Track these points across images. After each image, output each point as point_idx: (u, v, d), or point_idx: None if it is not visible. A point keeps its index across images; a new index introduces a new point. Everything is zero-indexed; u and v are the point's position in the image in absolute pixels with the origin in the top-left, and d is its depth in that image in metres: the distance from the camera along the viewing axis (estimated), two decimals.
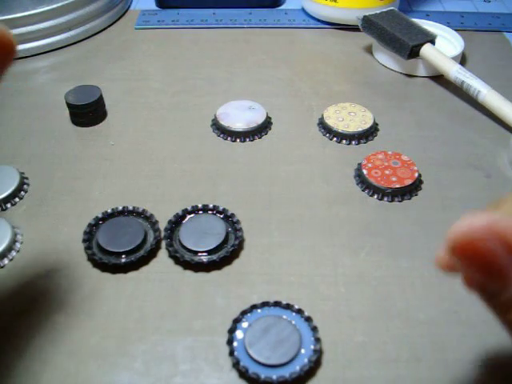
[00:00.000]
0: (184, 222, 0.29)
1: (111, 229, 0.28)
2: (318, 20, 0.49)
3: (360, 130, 0.35)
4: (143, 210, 0.29)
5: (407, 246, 0.28)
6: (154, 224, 0.29)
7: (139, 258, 0.27)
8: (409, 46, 0.39)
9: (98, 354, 0.24)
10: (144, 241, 0.28)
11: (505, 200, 0.17)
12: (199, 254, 0.27)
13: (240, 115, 0.36)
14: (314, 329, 0.24)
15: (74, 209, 0.31)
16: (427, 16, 0.49)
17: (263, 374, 0.22)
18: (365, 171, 0.32)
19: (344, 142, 0.35)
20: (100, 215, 0.29)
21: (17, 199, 0.31)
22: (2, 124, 0.37)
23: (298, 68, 0.43)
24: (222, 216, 0.29)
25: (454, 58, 0.40)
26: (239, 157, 0.34)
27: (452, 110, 0.38)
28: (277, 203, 0.31)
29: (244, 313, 0.24)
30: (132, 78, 0.42)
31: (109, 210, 0.29)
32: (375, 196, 0.31)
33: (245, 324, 0.24)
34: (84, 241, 0.28)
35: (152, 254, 0.28)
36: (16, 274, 0.27)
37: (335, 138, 0.35)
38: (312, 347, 0.23)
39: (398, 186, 0.31)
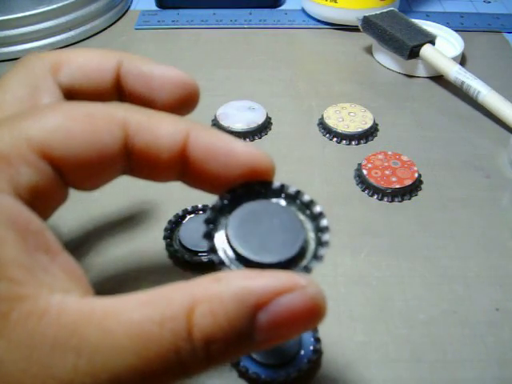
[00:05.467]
0: (184, 222, 0.29)
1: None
2: (318, 20, 0.49)
3: (360, 130, 0.35)
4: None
5: (407, 246, 0.28)
6: None
7: None
8: (409, 46, 0.39)
9: None
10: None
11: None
12: (199, 253, 0.27)
13: (240, 115, 0.36)
14: (314, 329, 0.24)
15: (74, 209, 0.31)
16: (427, 16, 0.49)
17: (263, 374, 0.22)
18: (365, 171, 0.32)
19: (344, 142, 0.35)
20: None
21: None
22: None
23: (297, 68, 0.43)
24: None
25: (454, 59, 0.40)
26: None
27: (452, 110, 0.38)
28: None
29: None
30: None
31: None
32: (375, 196, 0.31)
33: None
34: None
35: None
36: None
37: (335, 139, 0.35)
38: (312, 347, 0.23)
39: (397, 186, 0.31)
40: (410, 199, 0.31)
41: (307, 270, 0.16)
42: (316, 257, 0.16)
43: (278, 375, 0.22)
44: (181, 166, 0.17)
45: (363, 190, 0.31)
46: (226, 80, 0.41)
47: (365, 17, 0.42)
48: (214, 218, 0.17)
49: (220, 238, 0.16)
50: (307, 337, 0.23)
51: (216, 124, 0.36)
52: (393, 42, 0.40)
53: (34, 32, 0.44)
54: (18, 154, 0.14)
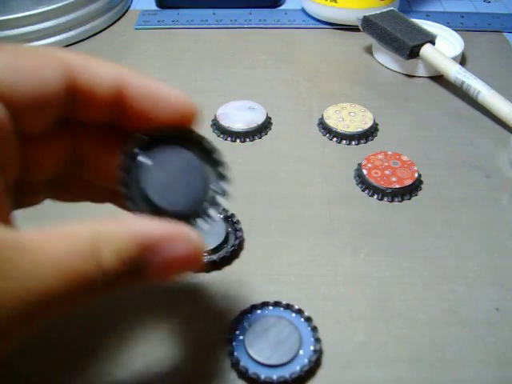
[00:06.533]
0: None
1: None
2: (318, 20, 0.49)
3: (360, 130, 0.35)
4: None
5: (407, 246, 0.28)
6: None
7: None
8: (409, 46, 0.39)
9: (97, 355, 0.24)
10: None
11: None
12: None
13: (240, 115, 0.36)
14: (314, 329, 0.24)
15: (73, 209, 0.30)
16: (427, 16, 0.49)
17: (263, 374, 0.22)
18: (365, 171, 0.32)
19: (344, 142, 0.35)
20: None
21: None
22: None
23: (298, 68, 0.43)
24: (221, 216, 0.29)
25: (454, 59, 0.40)
26: (239, 157, 0.34)
27: (452, 110, 0.38)
28: (277, 203, 0.31)
29: (244, 313, 0.24)
30: None
31: None
32: (375, 196, 0.31)
33: (245, 324, 0.24)
34: None
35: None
36: None
37: (335, 138, 0.35)
38: (312, 347, 0.23)
39: (397, 186, 0.31)
40: (409, 199, 0.31)
41: (197, 226, 0.19)
42: (207, 215, 0.19)
43: (278, 375, 0.22)
44: (115, 107, 0.18)
45: (363, 190, 0.31)
46: (226, 80, 0.41)
47: (365, 17, 0.42)
48: (130, 161, 0.18)
49: (133, 178, 0.18)
50: (307, 337, 0.23)
51: (216, 124, 0.36)
52: (393, 41, 0.40)
53: (33, 32, 0.44)
54: None
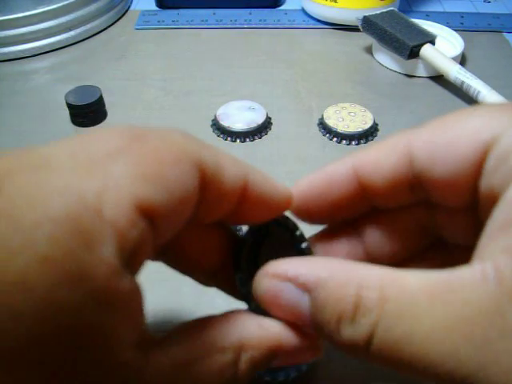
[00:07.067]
0: None
1: None
2: (318, 20, 0.49)
3: (360, 130, 0.35)
4: None
5: None
6: None
7: None
8: (409, 46, 0.39)
9: None
10: None
11: None
12: None
13: (240, 115, 0.36)
14: None
15: None
16: (427, 16, 0.49)
17: (263, 374, 0.22)
18: None
19: (344, 142, 0.35)
20: None
21: None
22: (1, 124, 0.37)
23: (298, 68, 0.43)
24: None
25: (454, 59, 0.40)
26: (239, 157, 0.34)
27: (452, 110, 0.38)
28: None
29: None
30: (132, 78, 0.42)
31: None
32: None
33: None
34: None
35: None
36: None
37: (335, 139, 0.35)
38: None
39: None
40: None
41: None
42: None
43: (278, 375, 0.22)
44: (235, 206, 0.17)
45: None
46: (226, 80, 0.41)
47: (365, 17, 0.42)
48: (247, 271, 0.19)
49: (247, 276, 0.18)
50: None
51: (216, 124, 0.36)
52: (393, 41, 0.40)
53: (33, 32, 0.44)
54: (125, 217, 0.13)
